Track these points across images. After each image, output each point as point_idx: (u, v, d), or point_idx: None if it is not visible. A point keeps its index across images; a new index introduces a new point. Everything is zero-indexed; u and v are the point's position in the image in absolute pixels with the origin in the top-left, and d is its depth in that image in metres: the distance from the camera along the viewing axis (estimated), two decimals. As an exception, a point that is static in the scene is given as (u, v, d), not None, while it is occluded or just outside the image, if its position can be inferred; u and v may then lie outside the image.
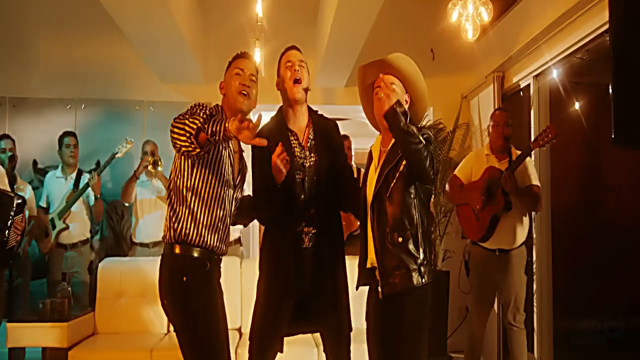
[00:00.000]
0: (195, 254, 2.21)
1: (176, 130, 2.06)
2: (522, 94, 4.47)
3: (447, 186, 3.97)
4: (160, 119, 5.07)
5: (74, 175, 4.46)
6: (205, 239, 2.21)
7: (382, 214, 2.27)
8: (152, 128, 5.14)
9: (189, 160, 2.20)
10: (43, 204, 4.50)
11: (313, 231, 2.43)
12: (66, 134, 4.58)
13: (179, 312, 2.22)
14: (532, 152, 3.65)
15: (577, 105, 4.45)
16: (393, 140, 2.33)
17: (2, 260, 3.44)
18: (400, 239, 2.23)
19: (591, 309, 4.06)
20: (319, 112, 2.62)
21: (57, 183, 4.50)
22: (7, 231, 3.40)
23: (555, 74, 4.10)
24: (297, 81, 2.45)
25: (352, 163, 4.90)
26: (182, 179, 2.22)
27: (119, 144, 4.51)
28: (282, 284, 2.41)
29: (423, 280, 2.24)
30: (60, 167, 4.57)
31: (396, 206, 2.25)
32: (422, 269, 2.25)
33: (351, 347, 2.53)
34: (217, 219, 2.23)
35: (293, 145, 2.47)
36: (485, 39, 4.81)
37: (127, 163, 5.04)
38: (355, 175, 2.79)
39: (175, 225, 2.21)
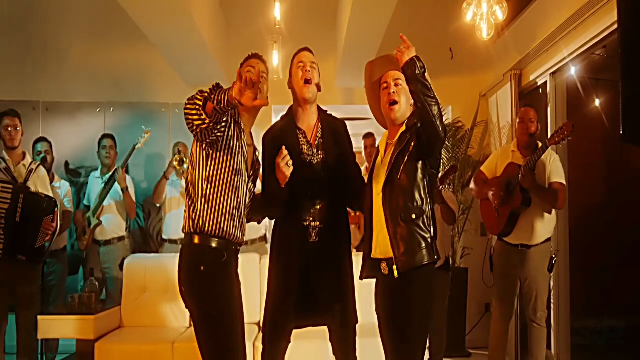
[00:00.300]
0: (214, 244, 2.29)
1: (188, 107, 2.16)
2: (539, 92, 4.46)
3: (472, 181, 4.00)
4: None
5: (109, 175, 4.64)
6: (222, 226, 2.29)
7: (394, 195, 2.33)
8: (178, 129, 5.29)
9: (204, 152, 2.31)
10: (86, 202, 4.74)
11: (320, 226, 2.49)
12: (104, 136, 4.77)
13: (196, 300, 2.30)
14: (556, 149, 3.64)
15: (597, 102, 4.42)
16: (400, 132, 2.40)
17: (35, 259, 3.61)
18: (413, 216, 2.29)
19: (606, 307, 4.02)
20: (328, 112, 2.68)
21: (96, 183, 4.71)
22: (37, 232, 3.58)
23: (572, 71, 4.08)
24: (307, 81, 2.52)
25: None
26: (198, 171, 2.32)
27: (139, 136, 4.64)
28: (288, 277, 2.47)
29: (436, 257, 2.31)
30: (99, 168, 4.77)
31: (407, 186, 2.32)
32: (433, 246, 2.31)
33: (358, 341, 2.57)
34: (231, 206, 2.32)
35: (301, 142, 2.54)
36: (502, 38, 4.81)
37: (161, 164, 5.24)
38: None
39: (193, 215, 2.31)
